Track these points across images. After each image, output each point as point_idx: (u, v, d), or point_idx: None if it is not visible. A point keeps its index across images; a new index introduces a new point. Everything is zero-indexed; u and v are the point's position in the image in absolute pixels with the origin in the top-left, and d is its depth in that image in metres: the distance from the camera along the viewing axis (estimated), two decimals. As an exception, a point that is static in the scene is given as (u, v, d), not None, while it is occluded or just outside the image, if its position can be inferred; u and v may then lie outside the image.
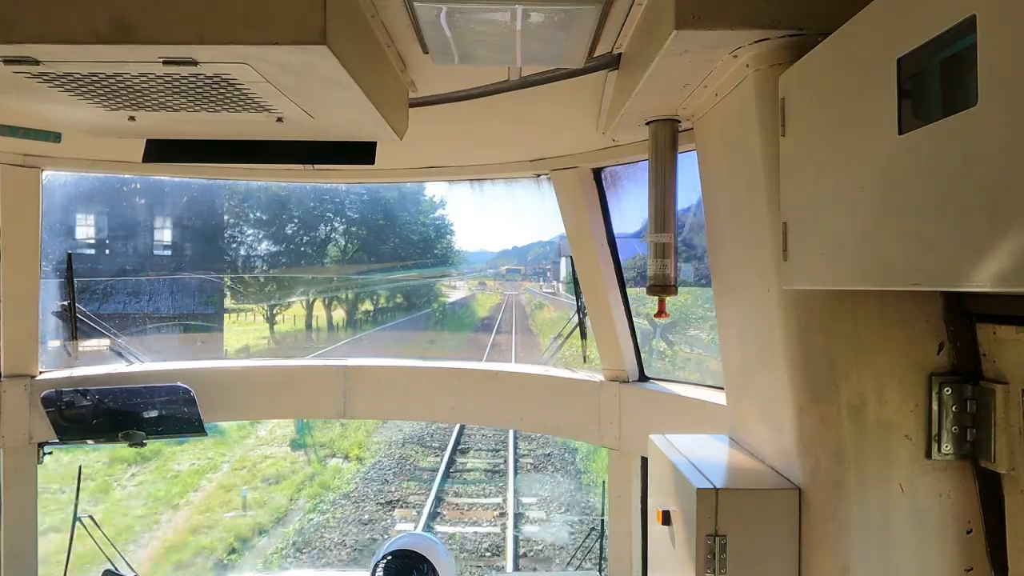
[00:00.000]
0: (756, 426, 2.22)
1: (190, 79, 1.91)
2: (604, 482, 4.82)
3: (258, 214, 30.00)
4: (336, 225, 32.69)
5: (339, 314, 33.20)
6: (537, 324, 33.94)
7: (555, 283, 42.68)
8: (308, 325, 31.75)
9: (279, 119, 2.34)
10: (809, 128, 1.62)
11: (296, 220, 31.31)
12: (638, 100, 2.30)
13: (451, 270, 40.08)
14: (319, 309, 32.34)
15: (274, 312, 30.76)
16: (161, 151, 2.82)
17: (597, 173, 3.86)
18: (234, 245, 29.60)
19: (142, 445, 4.37)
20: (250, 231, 30.00)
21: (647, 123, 2.62)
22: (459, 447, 18.55)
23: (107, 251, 25.68)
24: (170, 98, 2.12)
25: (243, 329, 29.54)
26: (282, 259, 31.18)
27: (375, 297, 35.09)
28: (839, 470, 1.77)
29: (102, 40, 1.65)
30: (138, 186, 24.76)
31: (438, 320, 37.37)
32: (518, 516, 13.94)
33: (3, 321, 4.00)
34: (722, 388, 2.74)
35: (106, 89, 2.03)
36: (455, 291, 45.54)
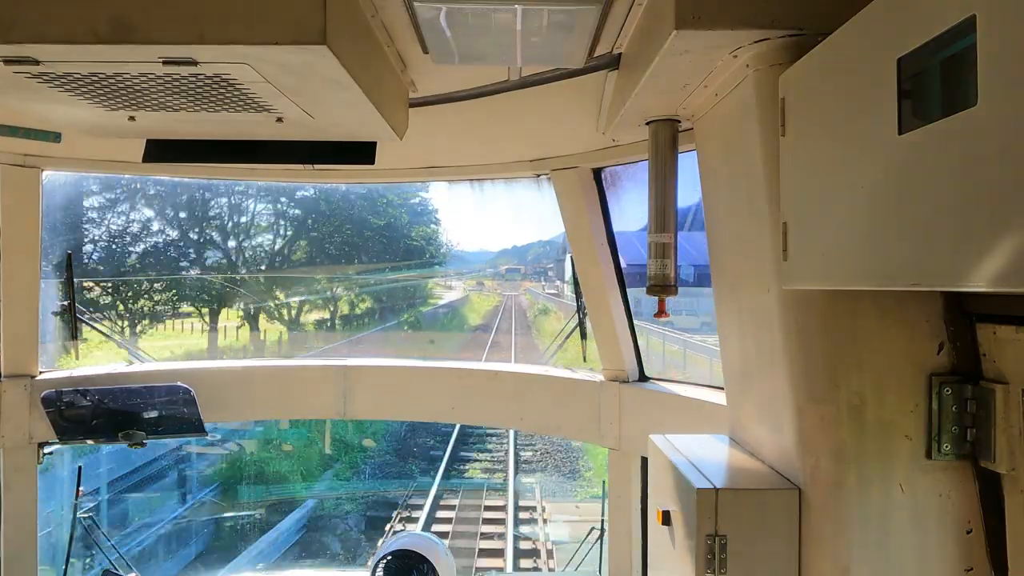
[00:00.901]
0: (756, 426, 2.21)
1: (190, 79, 1.91)
2: (604, 482, 4.81)
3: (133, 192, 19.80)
4: (259, 205, 22.24)
5: (276, 326, 24.47)
6: (542, 334, 28.12)
7: (558, 283, 39.85)
8: (211, 335, 22.60)
9: (279, 119, 2.34)
10: (809, 128, 1.61)
11: (193, 198, 21.27)
12: (638, 100, 2.30)
13: (437, 270, 31.11)
14: (234, 318, 22.80)
15: (136, 328, 20.90)
16: (161, 151, 2.83)
17: (597, 173, 3.86)
18: (92, 235, 20.19)
19: (142, 445, 4.37)
20: (116, 214, 20.05)
21: (647, 123, 2.62)
22: None
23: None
24: (170, 98, 2.11)
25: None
26: (185, 254, 21.03)
27: (333, 302, 25.89)
28: (839, 470, 1.77)
29: (102, 40, 1.65)
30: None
31: (413, 331, 28.81)
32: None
33: (3, 321, 4.00)
34: (722, 388, 2.74)
35: (106, 89, 2.03)
36: (448, 292, 39.01)
